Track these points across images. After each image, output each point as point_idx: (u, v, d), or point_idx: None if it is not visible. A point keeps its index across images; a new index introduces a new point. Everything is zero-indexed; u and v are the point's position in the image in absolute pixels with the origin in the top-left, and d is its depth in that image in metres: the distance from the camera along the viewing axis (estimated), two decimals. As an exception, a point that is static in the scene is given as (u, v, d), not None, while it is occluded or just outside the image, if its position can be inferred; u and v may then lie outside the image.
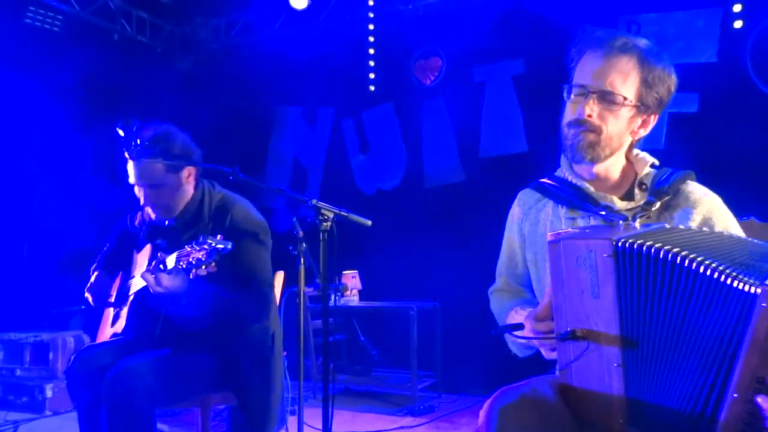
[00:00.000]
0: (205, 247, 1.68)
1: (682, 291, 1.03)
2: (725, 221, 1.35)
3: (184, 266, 1.72)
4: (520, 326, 1.31)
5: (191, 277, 1.74)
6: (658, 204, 1.32)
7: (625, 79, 1.32)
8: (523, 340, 1.38)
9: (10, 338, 4.10)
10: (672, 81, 1.36)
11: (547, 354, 1.31)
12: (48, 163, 4.57)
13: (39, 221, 4.59)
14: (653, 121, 1.39)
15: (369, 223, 1.89)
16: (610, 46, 1.33)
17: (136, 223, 2.37)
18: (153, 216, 2.03)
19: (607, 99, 1.32)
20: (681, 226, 1.23)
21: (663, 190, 1.34)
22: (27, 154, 4.54)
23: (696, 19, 3.72)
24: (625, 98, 1.32)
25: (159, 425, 3.44)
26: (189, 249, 1.72)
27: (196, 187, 2.11)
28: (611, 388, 1.11)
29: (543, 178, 1.51)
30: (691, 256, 1.01)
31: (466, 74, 4.57)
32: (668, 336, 1.05)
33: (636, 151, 1.44)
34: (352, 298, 4.31)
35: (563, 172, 1.48)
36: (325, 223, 1.81)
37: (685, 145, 3.48)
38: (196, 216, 2.08)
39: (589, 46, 1.36)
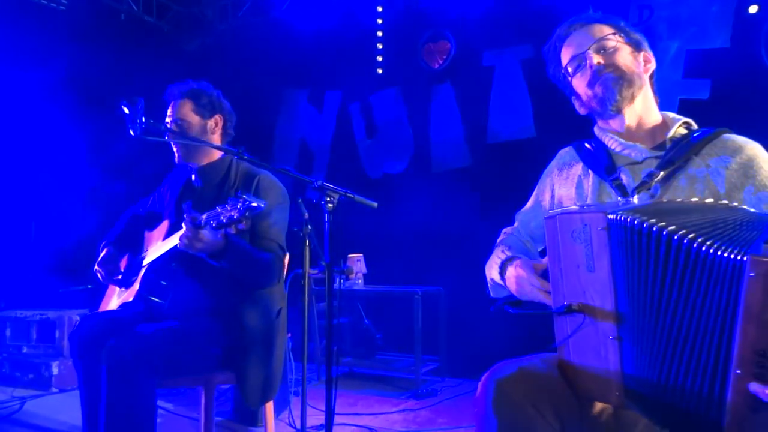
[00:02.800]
0: (238, 205, 1.68)
1: (672, 264, 1.02)
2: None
3: (214, 225, 1.73)
4: (519, 303, 1.32)
5: (219, 236, 1.79)
6: (661, 174, 1.32)
7: (602, 30, 1.45)
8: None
9: (17, 316, 4.13)
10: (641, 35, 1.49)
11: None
12: (54, 144, 4.57)
13: (46, 201, 4.61)
14: (653, 59, 1.48)
15: (375, 204, 1.87)
16: (574, 26, 1.48)
17: (148, 205, 2.40)
18: (177, 157, 2.16)
19: (602, 44, 1.42)
20: (678, 199, 1.23)
21: (675, 157, 1.34)
22: (34, 134, 4.54)
23: (710, 4, 3.65)
24: (613, 32, 1.43)
25: (163, 403, 3.47)
26: (219, 209, 1.73)
27: (224, 153, 2.22)
28: (607, 361, 1.11)
29: (586, 141, 1.55)
30: (674, 228, 1.01)
31: (475, 58, 4.53)
32: (663, 309, 1.05)
33: (670, 114, 1.49)
34: (357, 281, 4.32)
35: (599, 134, 1.52)
36: (330, 205, 1.80)
37: (695, 132, 3.43)
38: (224, 179, 2.18)
39: (558, 41, 1.50)
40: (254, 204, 1.67)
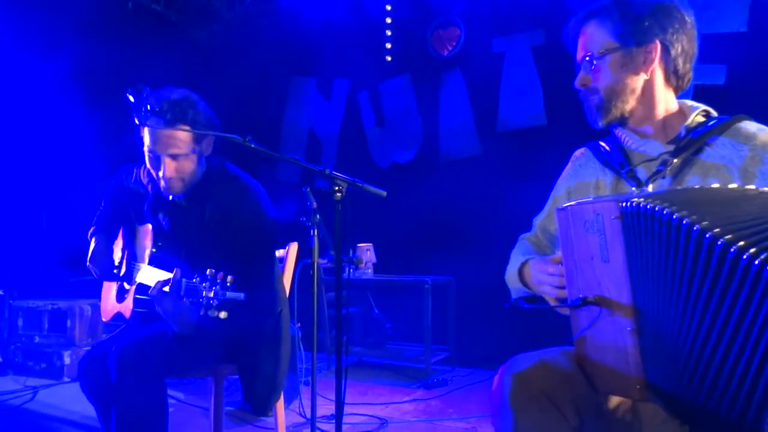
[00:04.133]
0: (217, 290, 1.62)
1: (702, 264, 0.97)
2: None
3: (192, 301, 1.66)
4: (534, 299, 1.30)
5: (201, 313, 1.66)
6: (675, 161, 1.29)
7: (595, 37, 1.39)
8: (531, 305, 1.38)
9: (29, 306, 4.16)
10: (656, 6, 1.36)
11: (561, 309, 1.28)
12: (63, 134, 4.58)
13: (57, 192, 4.62)
14: (657, 50, 1.35)
15: (384, 193, 1.84)
16: (576, 24, 1.43)
17: (132, 179, 2.22)
18: (162, 185, 1.93)
19: (588, 62, 1.40)
20: (696, 186, 1.19)
21: (689, 144, 1.30)
22: (42, 125, 4.55)
23: (727, -14, 3.58)
24: (596, 54, 1.38)
25: (174, 393, 3.48)
26: (197, 282, 1.66)
27: (208, 161, 2.02)
28: (627, 354, 1.08)
29: (601, 139, 1.52)
30: (693, 218, 0.96)
31: (485, 45, 4.47)
32: (679, 300, 1.00)
33: (688, 101, 1.43)
34: (367, 271, 4.30)
35: (616, 131, 1.48)
36: (338, 194, 1.77)
37: (710, 118, 3.37)
38: (204, 195, 1.98)
39: (571, 31, 1.46)
40: (231, 295, 1.62)
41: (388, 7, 4.80)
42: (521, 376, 1.12)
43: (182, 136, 1.83)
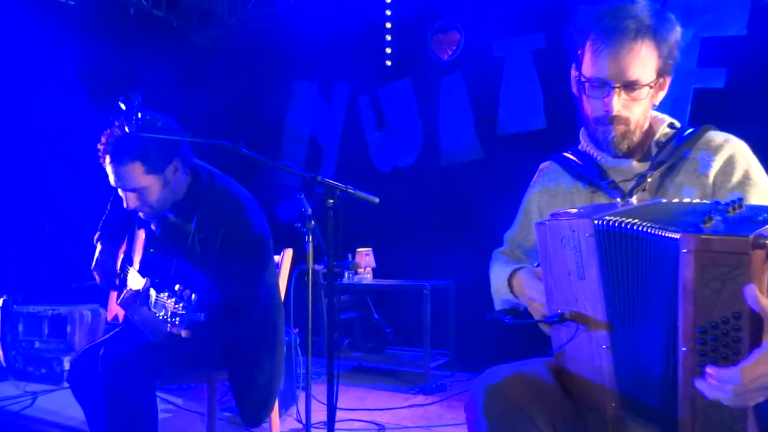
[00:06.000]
0: (182, 312, 1.60)
1: (652, 263, 0.99)
2: (746, 166, 1.27)
3: (160, 316, 1.64)
4: (515, 310, 1.30)
5: (167, 329, 1.64)
6: (657, 173, 1.28)
7: (645, 65, 1.26)
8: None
9: (29, 311, 4.17)
10: (679, 34, 1.29)
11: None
12: (66, 140, 4.59)
13: (61, 199, 4.63)
14: (668, 81, 1.34)
15: (376, 200, 1.84)
16: (621, 34, 1.23)
17: None
18: (141, 216, 1.97)
19: (631, 89, 1.27)
20: (676, 200, 1.19)
21: (665, 157, 1.30)
22: (46, 130, 4.56)
23: (726, -10, 3.56)
24: (649, 84, 1.27)
25: (173, 399, 3.48)
26: (165, 299, 1.65)
27: (193, 175, 1.99)
28: (602, 371, 1.08)
29: (565, 151, 1.49)
30: (653, 225, 0.98)
31: (485, 49, 4.46)
32: (647, 312, 1.02)
33: (654, 112, 1.40)
34: (366, 275, 4.29)
35: (584, 145, 1.45)
36: (330, 200, 1.76)
37: (710, 122, 3.35)
38: (192, 208, 1.95)
39: (596, 35, 1.27)
40: (190, 315, 1.59)
41: (389, 12, 4.80)
42: (495, 389, 1.11)
43: (135, 171, 1.84)
